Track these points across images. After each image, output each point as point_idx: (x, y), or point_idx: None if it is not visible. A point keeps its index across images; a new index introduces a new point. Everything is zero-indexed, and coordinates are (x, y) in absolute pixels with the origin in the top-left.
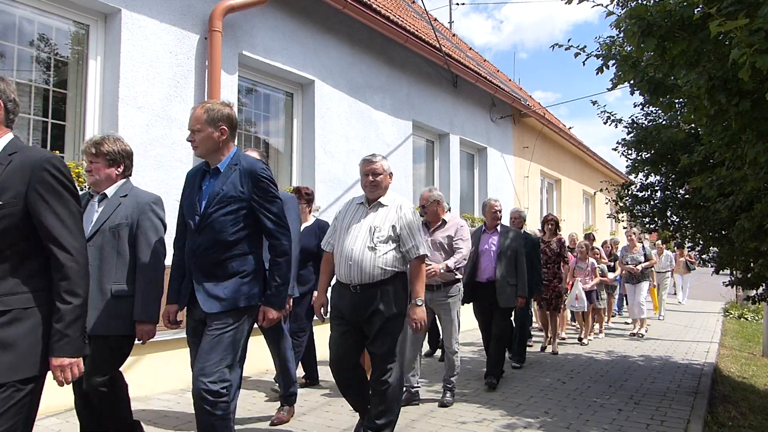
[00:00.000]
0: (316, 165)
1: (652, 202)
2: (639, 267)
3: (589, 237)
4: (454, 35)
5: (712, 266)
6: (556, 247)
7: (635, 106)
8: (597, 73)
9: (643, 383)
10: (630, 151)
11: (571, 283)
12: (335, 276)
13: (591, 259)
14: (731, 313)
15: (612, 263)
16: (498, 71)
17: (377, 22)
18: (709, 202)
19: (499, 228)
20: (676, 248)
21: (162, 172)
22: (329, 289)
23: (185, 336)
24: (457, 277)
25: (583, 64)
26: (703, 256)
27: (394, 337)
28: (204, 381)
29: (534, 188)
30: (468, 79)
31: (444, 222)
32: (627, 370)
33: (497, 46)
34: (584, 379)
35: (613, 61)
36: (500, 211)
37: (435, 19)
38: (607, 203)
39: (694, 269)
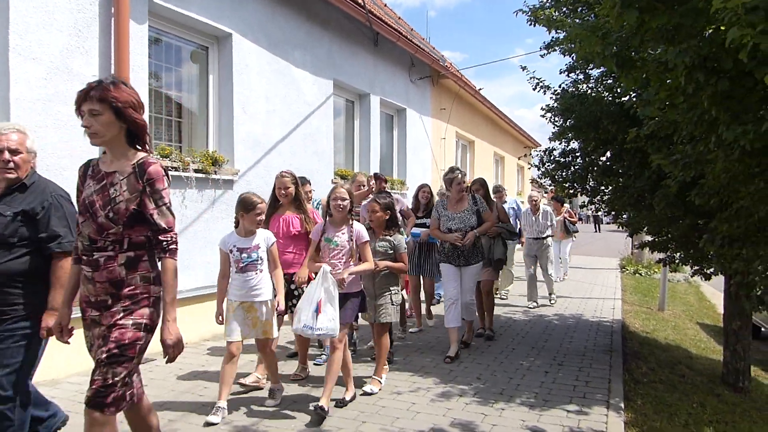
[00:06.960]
0: (234, 125)
1: (573, 168)
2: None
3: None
4: None
5: (625, 229)
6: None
7: (560, 73)
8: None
9: (563, 343)
10: (557, 118)
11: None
12: None
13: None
14: (627, 269)
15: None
16: (413, 30)
17: None
18: (626, 176)
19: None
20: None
21: (65, 131)
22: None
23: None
24: None
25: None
26: (618, 220)
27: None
28: None
29: (450, 150)
30: (389, 38)
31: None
32: (545, 330)
33: (406, 2)
34: (507, 341)
35: (537, 24)
36: None
37: None
38: (530, 168)
39: (577, 231)
